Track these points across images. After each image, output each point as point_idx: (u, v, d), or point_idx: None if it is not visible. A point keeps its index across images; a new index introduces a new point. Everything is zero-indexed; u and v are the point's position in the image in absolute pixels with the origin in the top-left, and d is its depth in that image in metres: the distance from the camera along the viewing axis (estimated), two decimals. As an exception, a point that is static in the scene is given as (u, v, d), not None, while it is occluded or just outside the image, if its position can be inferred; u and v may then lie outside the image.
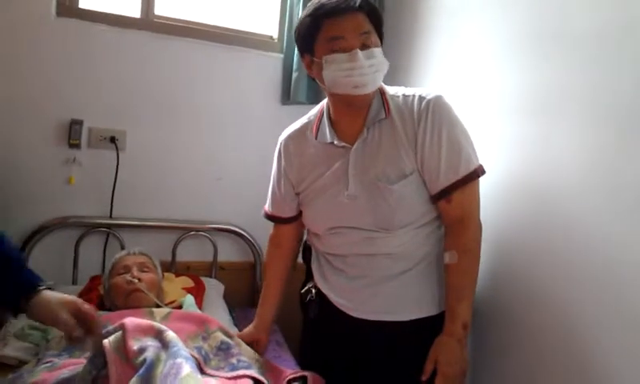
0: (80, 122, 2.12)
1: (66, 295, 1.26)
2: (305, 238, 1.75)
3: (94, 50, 2.13)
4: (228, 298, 2.25)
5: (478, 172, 1.39)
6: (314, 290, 1.63)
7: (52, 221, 2.12)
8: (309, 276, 1.69)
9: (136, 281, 1.72)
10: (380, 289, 1.46)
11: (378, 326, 1.47)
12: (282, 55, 2.40)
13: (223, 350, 1.59)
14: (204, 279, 2.20)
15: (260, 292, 2.38)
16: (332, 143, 1.47)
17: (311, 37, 1.36)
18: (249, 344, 1.67)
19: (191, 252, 2.35)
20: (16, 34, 2.02)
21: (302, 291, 1.68)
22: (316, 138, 1.51)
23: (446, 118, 1.38)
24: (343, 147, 1.45)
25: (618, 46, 1.23)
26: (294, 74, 2.28)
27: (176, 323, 1.62)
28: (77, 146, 2.12)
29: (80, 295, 1.90)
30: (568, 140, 1.36)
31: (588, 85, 1.30)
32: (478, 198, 1.43)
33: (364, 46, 1.31)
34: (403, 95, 1.45)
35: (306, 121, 1.60)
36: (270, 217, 1.75)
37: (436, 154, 1.37)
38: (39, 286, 1.23)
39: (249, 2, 2.49)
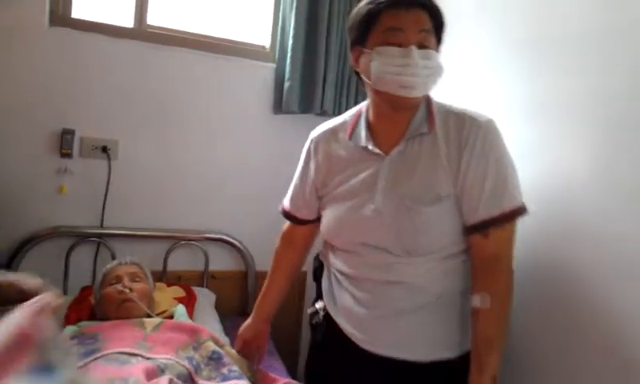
0: (72, 132, 2.12)
1: None
2: (317, 254, 1.64)
3: (87, 60, 2.14)
4: (220, 307, 2.26)
5: (521, 211, 1.25)
6: (322, 312, 1.50)
7: (43, 230, 2.11)
8: (318, 296, 1.56)
9: (127, 291, 1.72)
10: (394, 322, 1.31)
11: (389, 364, 1.32)
12: (274, 65, 2.41)
13: (214, 359, 1.60)
14: (195, 289, 2.20)
15: (252, 301, 2.42)
16: (366, 148, 1.33)
17: (366, 27, 1.24)
18: (250, 339, 1.68)
19: (183, 261, 2.35)
20: (9, 43, 2.02)
21: (310, 312, 1.57)
22: (349, 139, 1.38)
23: (495, 147, 1.25)
24: (377, 155, 1.32)
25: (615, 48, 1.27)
26: (286, 84, 2.30)
27: (167, 333, 1.63)
28: (68, 156, 2.12)
29: (71, 305, 1.91)
30: (569, 143, 1.38)
31: (588, 89, 1.34)
32: (514, 240, 1.29)
33: (421, 45, 1.19)
34: (452, 112, 1.30)
35: (341, 121, 1.46)
36: (287, 214, 1.66)
37: (480, 183, 1.23)
38: None
39: (241, 12, 2.50)
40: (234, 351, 1.69)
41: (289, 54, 2.29)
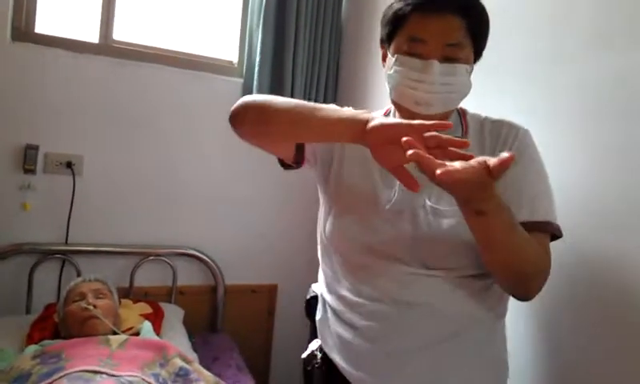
0: (35, 148, 2.09)
1: None
2: (310, 292, 1.43)
3: (51, 75, 2.12)
4: (188, 323, 2.24)
5: (556, 229, 1.06)
6: (319, 354, 1.27)
7: (5, 247, 2.07)
8: (313, 335, 1.33)
9: (91, 307, 1.70)
10: (411, 359, 1.07)
11: None
12: (241, 80, 2.42)
13: (182, 376, 1.59)
14: (163, 305, 2.18)
15: (222, 316, 2.41)
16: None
17: (394, 27, 1.11)
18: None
19: (150, 277, 2.32)
20: (-31, 58, 1.99)
21: (305, 356, 1.32)
22: None
23: (535, 155, 1.10)
24: None
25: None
26: (254, 99, 2.31)
27: (133, 350, 1.61)
28: (32, 172, 2.09)
29: (34, 324, 1.87)
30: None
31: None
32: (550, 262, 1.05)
33: (446, 59, 1.05)
34: (488, 120, 1.17)
35: None
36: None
37: (515, 186, 1.04)
38: None
39: (209, 27, 2.51)
40: (201, 368, 1.68)
41: (256, 69, 2.31)
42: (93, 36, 2.24)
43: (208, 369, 1.76)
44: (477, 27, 1.08)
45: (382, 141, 0.92)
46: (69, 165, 2.14)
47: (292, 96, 2.35)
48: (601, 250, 1.23)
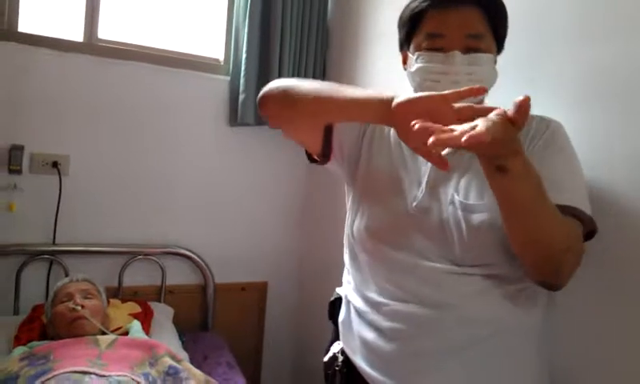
0: (21, 148, 2.07)
1: None
2: (334, 295, 1.34)
3: (35, 74, 2.09)
4: (178, 322, 2.23)
5: (587, 221, 0.98)
6: (340, 357, 1.22)
7: (-8, 249, 2.05)
8: (335, 338, 1.29)
9: (79, 308, 1.69)
10: (434, 363, 1.02)
11: None
12: (228, 78, 2.41)
13: (171, 375, 1.59)
14: (152, 304, 2.17)
15: (212, 314, 2.40)
16: None
17: (412, 27, 1.10)
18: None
19: (139, 277, 2.31)
20: (-48, 58, 1.97)
21: (326, 359, 1.28)
22: None
23: (565, 146, 1.05)
24: None
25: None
26: (241, 96, 2.30)
27: (122, 350, 1.60)
28: (17, 172, 2.06)
29: (22, 325, 1.86)
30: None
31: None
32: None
33: (468, 50, 1.03)
34: None
35: None
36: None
37: (542, 173, 0.90)
38: None
39: (195, 25, 2.50)
40: (192, 366, 1.68)
41: (243, 67, 2.30)
42: (77, 35, 2.22)
43: (198, 367, 1.76)
44: (495, 17, 1.07)
45: (409, 117, 0.86)
46: (55, 165, 2.12)
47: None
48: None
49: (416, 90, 1.10)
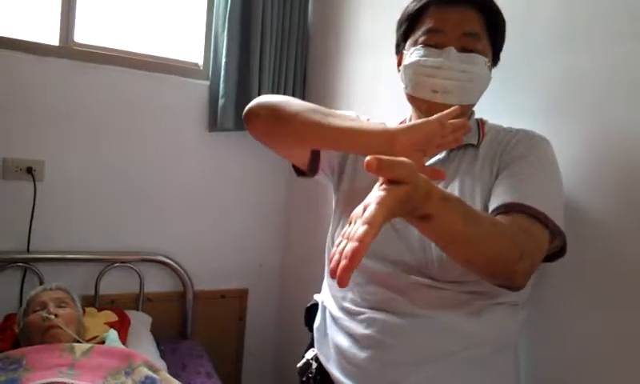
0: (-7, 153, 2.03)
1: None
2: (312, 301, 1.33)
3: (10, 78, 2.05)
4: (157, 330, 2.20)
5: (556, 231, 0.96)
6: (314, 363, 1.22)
7: (-37, 257, 2.00)
8: (311, 344, 1.28)
9: (52, 317, 1.65)
10: (413, 372, 1.00)
11: None
12: (208, 82, 2.39)
13: (148, 385, 1.56)
14: (130, 312, 2.13)
15: (191, 322, 2.37)
16: None
17: (411, 24, 1.11)
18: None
19: (116, 284, 2.27)
20: None
21: (300, 365, 1.27)
22: None
23: (544, 159, 1.04)
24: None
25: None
26: (221, 101, 2.28)
27: (98, 359, 1.57)
28: (-10, 178, 2.02)
29: (-7, 335, 1.81)
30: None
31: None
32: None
33: (463, 48, 1.05)
34: (507, 129, 1.13)
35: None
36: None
37: (512, 170, 1.00)
38: None
39: (174, 29, 2.48)
40: (169, 376, 1.65)
41: (222, 71, 2.28)
42: (53, 38, 2.18)
43: (177, 377, 1.73)
44: (493, 22, 1.09)
45: (408, 148, 0.91)
46: (29, 170, 2.07)
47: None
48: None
49: (407, 86, 1.11)
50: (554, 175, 1.04)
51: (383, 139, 0.95)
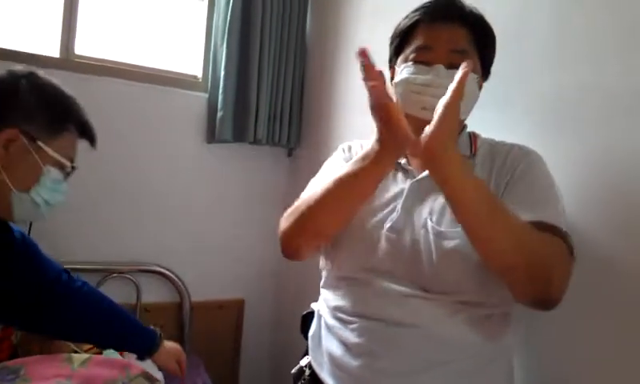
0: (-7, 164, 2.03)
1: (172, 344, 1.67)
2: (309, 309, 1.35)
3: (9, 90, 2.06)
4: (153, 341, 2.19)
5: (567, 239, 0.99)
6: (307, 370, 1.23)
7: (-39, 268, 2.00)
8: (307, 352, 1.28)
9: (50, 327, 1.65)
10: (405, 381, 1.02)
11: None
12: (206, 95, 2.42)
13: (145, 396, 1.56)
14: (127, 323, 2.13)
15: (188, 333, 2.37)
16: (399, 163, 1.17)
17: (402, 40, 1.15)
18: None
19: (113, 295, 2.21)
20: None
21: (295, 371, 1.29)
22: None
23: (542, 175, 1.08)
24: (407, 171, 1.16)
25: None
26: (219, 113, 2.31)
27: (95, 369, 1.57)
28: (-11, 189, 2.02)
29: (-9, 346, 1.81)
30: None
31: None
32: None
33: (452, 66, 1.04)
34: (500, 143, 1.16)
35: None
36: None
37: (520, 193, 1.03)
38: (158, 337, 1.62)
39: (173, 42, 2.50)
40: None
41: (221, 84, 2.31)
42: (54, 50, 2.20)
43: (173, 388, 1.73)
44: (482, 39, 1.12)
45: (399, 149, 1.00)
46: (28, 181, 2.09)
47: (257, 111, 2.34)
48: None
49: (398, 102, 1.10)
50: (554, 192, 1.06)
51: (372, 163, 1.01)
